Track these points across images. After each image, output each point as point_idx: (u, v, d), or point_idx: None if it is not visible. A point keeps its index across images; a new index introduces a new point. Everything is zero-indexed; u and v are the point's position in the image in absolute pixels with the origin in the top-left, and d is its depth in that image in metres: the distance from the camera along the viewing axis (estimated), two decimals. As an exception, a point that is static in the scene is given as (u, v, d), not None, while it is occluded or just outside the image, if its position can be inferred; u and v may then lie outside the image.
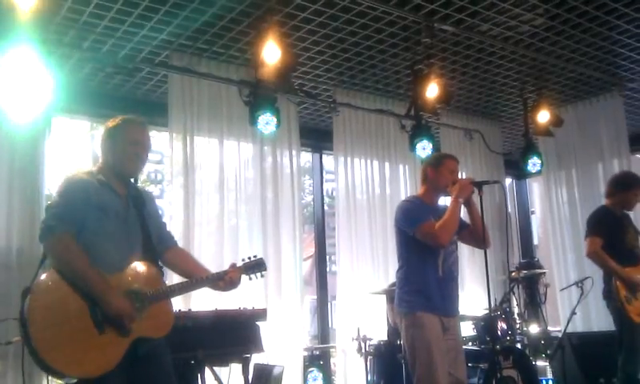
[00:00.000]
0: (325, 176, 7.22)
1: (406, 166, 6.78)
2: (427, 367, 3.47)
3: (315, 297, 7.16)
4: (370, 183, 6.49)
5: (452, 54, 5.42)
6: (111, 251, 2.58)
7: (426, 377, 3.49)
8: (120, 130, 2.76)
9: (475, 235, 3.59)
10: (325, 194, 7.39)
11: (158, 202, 3.12)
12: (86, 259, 2.50)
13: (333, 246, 7.39)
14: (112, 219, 2.63)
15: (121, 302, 2.48)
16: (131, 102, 5.70)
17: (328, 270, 7.14)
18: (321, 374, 5.69)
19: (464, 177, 5.48)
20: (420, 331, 3.52)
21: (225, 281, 2.84)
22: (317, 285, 6.74)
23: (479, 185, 3.55)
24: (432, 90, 5.20)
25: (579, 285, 5.54)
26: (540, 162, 6.63)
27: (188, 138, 5.27)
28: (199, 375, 3.43)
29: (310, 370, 5.67)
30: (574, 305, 5.68)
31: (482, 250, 3.67)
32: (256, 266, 3.01)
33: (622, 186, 4.65)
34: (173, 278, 3.04)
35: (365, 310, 5.93)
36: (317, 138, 6.79)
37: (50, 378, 3.91)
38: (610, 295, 4.43)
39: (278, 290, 5.58)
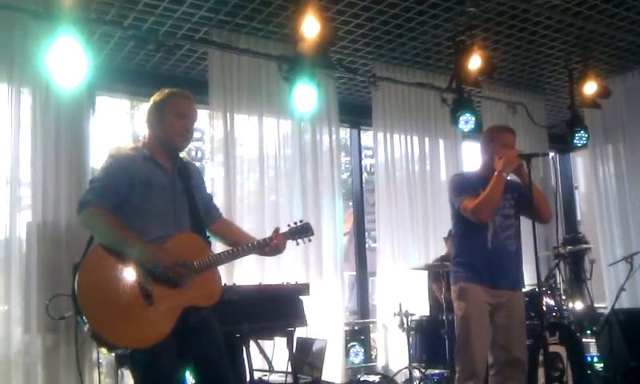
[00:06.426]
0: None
1: (447, 141, 6.67)
2: (464, 339, 3.46)
3: (353, 273, 7.16)
4: (410, 159, 6.41)
5: (495, 24, 5.26)
6: (155, 226, 2.58)
7: (461, 349, 3.48)
8: (167, 103, 2.73)
9: (531, 208, 3.45)
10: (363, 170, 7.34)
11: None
12: (121, 225, 2.49)
13: (370, 223, 7.36)
14: (157, 194, 2.63)
15: (166, 255, 2.47)
16: (171, 80, 5.62)
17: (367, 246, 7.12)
18: (362, 349, 5.72)
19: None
20: (462, 303, 3.51)
21: (271, 246, 2.84)
22: (356, 261, 6.72)
23: (528, 157, 3.41)
24: (474, 62, 5.11)
25: (628, 260, 5.42)
26: (586, 135, 6.43)
27: (228, 115, 5.28)
28: (244, 348, 3.46)
29: (352, 344, 5.70)
30: (621, 281, 5.55)
31: (541, 224, 3.58)
32: (302, 231, 2.99)
33: None
34: (219, 249, 3.05)
35: (406, 286, 5.91)
36: (355, 113, 6.71)
37: (100, 349, 4.04)
38: None
39: (318, 265, 5.58)
